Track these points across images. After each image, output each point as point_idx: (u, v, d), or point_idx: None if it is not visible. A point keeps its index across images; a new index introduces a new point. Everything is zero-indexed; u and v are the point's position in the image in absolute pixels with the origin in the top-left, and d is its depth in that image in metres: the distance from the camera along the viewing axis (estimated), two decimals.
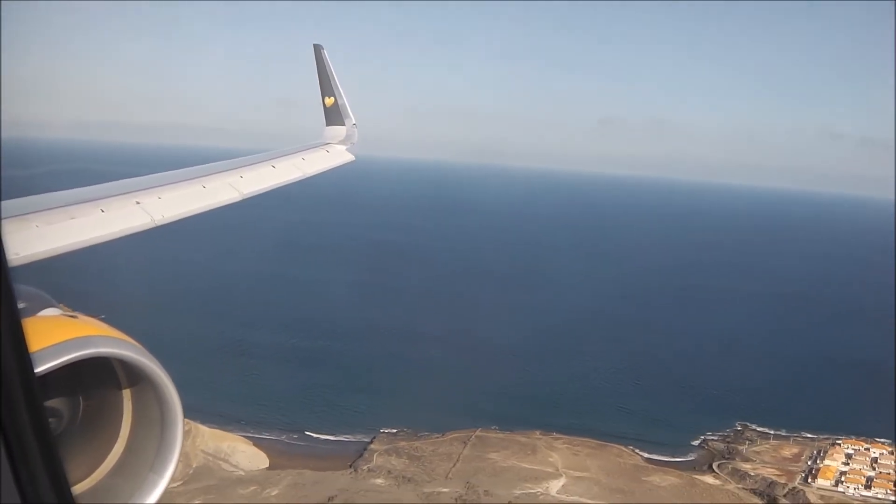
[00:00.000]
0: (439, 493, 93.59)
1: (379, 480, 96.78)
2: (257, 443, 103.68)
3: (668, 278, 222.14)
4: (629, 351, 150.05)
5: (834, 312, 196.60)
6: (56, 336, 4.46)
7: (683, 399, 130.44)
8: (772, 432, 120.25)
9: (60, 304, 5.51)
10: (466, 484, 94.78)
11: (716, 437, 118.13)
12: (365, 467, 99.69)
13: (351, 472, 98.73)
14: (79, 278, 79.51)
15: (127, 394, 5.13)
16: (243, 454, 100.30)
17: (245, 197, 10.70)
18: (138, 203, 8.63)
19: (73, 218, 7.52)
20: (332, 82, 19.06)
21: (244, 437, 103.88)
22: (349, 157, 16.02)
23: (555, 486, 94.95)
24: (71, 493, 3.41)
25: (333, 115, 18.67)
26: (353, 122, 18.82)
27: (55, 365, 4.32)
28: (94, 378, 4.95)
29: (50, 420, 4.61)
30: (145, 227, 8.50)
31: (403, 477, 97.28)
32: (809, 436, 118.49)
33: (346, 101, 19.08)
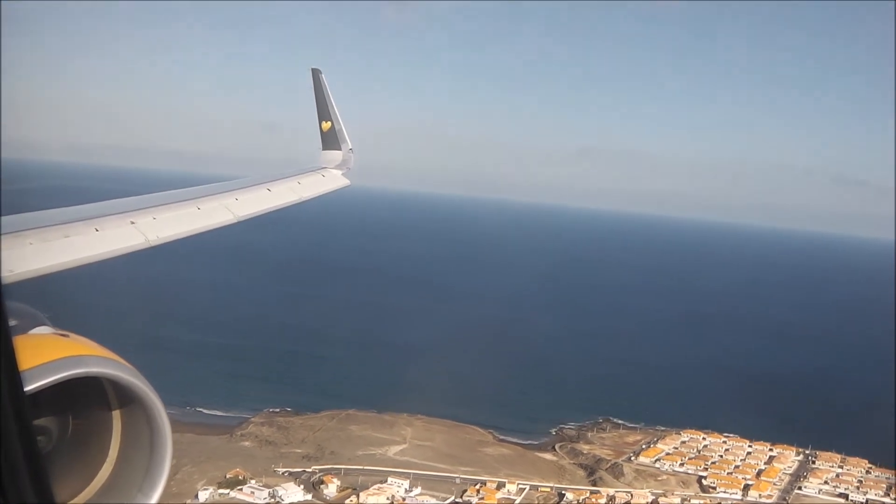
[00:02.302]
0: (293, 452, 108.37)
1: (246, 443, 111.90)
2: None
3: (580, 295, 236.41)
4: (533, 357, 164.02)
5: (741, 328, 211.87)
6: (47, 355, 4.43)
7: (562, 400, 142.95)
8: (630, 425, 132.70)
9: (51, 324, 5.54)
10: (318, 446, 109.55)
11: (573, 427, 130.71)
12: (239, 433, 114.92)
13: (226, 437, 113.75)
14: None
15: (117, 414, 5.11)
16: None
17: (240, 219, 10.73)
18: (133, 223, 8.55)
19: (67, 236, 7.48)
20: (329, 107, 19.33)
21: None
22: (345, 182, 16.11)
23: (394, 450, 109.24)
24: None
25: (330, 140, 18.89)
26: (350, 146, 19.03)
27: (45, 384, 4.28)
28: (85, 397, 4.91)
29: (39, 438, 4.66)
30: (139, 247, 8.38)
31: (267, 441, 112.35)
32: (662, 428, 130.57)
33: (342, 125, 19.38)
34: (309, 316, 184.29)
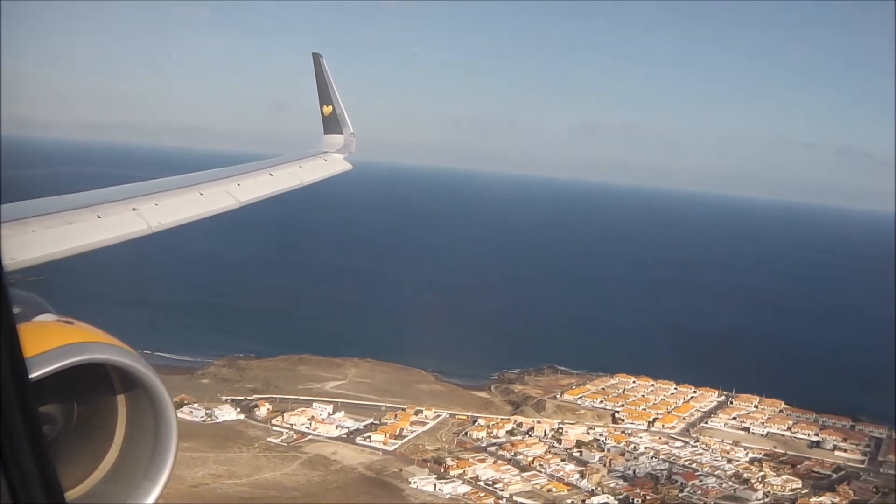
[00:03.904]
0: (244, 387, 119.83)
1: (204, 381, 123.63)
2: None
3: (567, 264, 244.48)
4: (501, 317, 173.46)
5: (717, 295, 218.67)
6: (51, 342, 4.45)
7: (517, 352, 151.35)
8: (571, 371, 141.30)
9: (55, 311, 5.52)
10: (266, 382, 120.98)
11: (515, 372, 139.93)
12: (199, 373, 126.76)
13: (188, 377, 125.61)
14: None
15: (121, 400, 5.11)
16: None
17: (242, 204, 10.77)
18: (135, 209, 8.60)
19: (70, 223, 7.51)
20: (330, 91, 19.31)
21: None
22: (347, 166, 16.12)
23: (331, 385, 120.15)
24: (64, 499, 3.44)
25: (331, 124, 18.90)
26: (352, 131, 18.98)
27: (50, 371, 4.31)
28: (89, 384, 4.93)
29: (44, 426, 4.68)
30: (141, 233, 8.50)
31: (223, 379, 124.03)
32: (602, 375, 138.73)
33: (343, 110, 19.30)
34: (294, 280, 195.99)
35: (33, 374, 4.10)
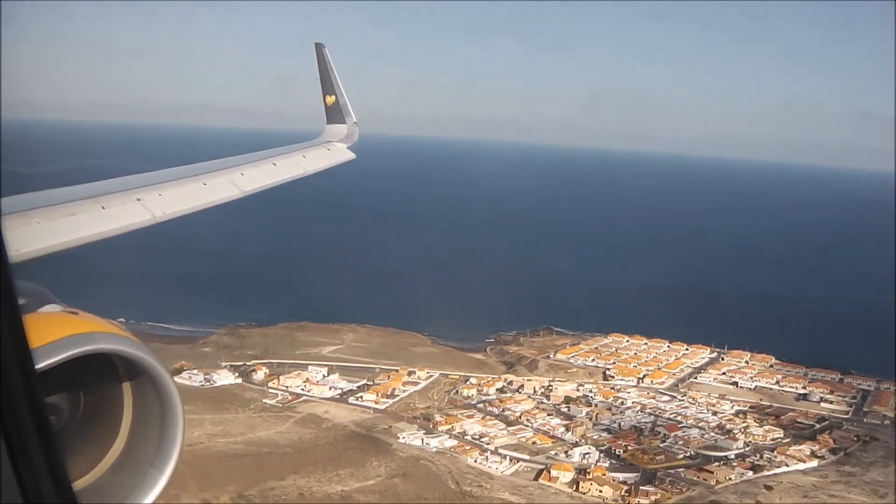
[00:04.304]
0: (244, 354, 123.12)
1: (206, 349, 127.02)
2: (128, 326, 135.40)
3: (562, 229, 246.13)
4: (503, 280, 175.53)
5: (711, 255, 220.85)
6: (56, 332, 4.48)
7: (515, 314, 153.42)
8: (566, 332, 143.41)
9: (61, 301, 5.58)
10: (265, 348, 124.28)
11: (511, 334, 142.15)
12: (201, 342, 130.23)
13: (190, 346, 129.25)
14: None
15: (127, 390, 5.18)
16: None
17: (246, 194, 10.86)
18: (139, 200, 8.68)
19: (73, 214, 7.57)
20: (333, 81, 19.40)
21: (118, 322, 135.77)
22: (350, 156, 16.31)
23: (328, 349, 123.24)
24: (72, 490, 3.45)
25: (334, 114, 19.04)
26: (354, 120, 19.08)
27: (56, 361, 4.34)
28: (95, 374, 4.97)
29: (50, 416, 4.69)
30: (146, 223, 8.59)
31: (225, 346, 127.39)
32: (597, 335, 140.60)
33: (346, 99, 19.41)
34: (296, 248, 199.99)
35: (39, 365, 4.13)
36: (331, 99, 19.38)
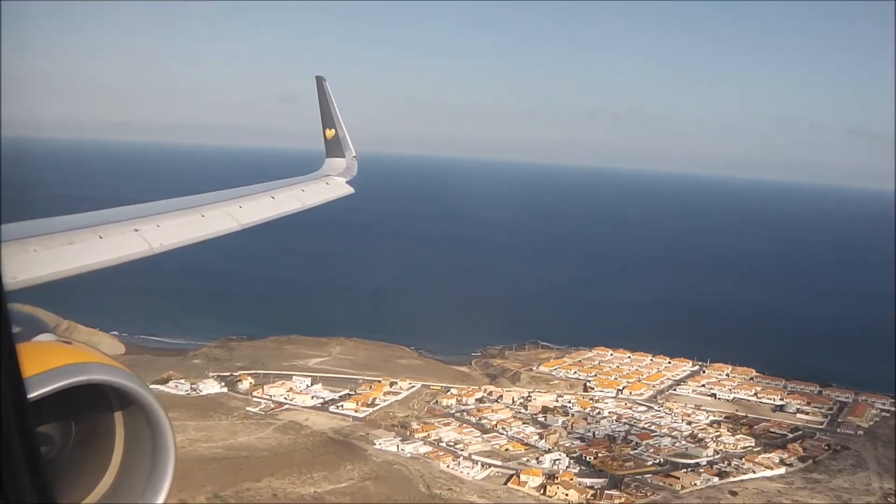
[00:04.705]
0: (233, 365, 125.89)
1: (196, 361, 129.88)
2: (121, 339, 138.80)
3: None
4: (491, 295, 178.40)
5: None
6: (50, 362, 4.48)
7: (505, 330, 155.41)
8: (552, 346, 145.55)
9: (55, 330, 5.69)
10: (253, 360, 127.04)
11: (498, 348, 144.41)
12: (192, 354, 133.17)
13: (181, 357, 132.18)
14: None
15: (119, 420, 5.17)
16: (107, 344, 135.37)
17: (244, 227, 10.88)
18: (136, 230, 8.70)
19: (71, 243, 7.56)
20: (333, 114, 19.67)
21: (112, 335, 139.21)
22: (348, 190, 16.48)
23: (315, 361, 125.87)
24: None
25: (334, 147, 19.24)
26: (354, 154, 19.28)
27: (48, 391, 4.34)
28: (87, 404, 4.98)
29: (42, 446, 4.73)
30: (143, 254, 8.58)
31: (214, 359, 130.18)
32: (583, 349, 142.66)
33: (346, 133, 19.63)
34: (288, 268, 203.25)
35: (32, 394, 4.12)
36: (331, 133, 19.52)
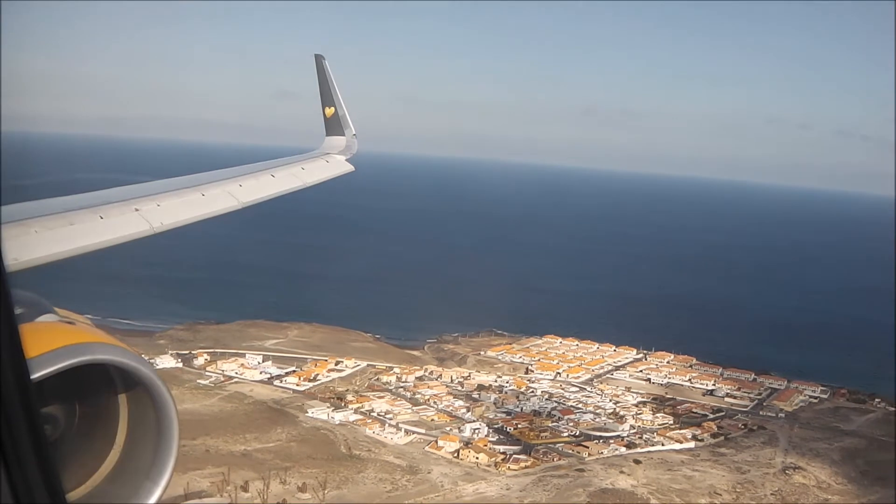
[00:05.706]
0: (196, 346, 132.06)
1: (161, 342, 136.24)
2: (93, 322, 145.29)
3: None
4: (454, 285, 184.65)
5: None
6: (53, 342, 4.47)
7: (462, 319, 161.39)
8: (506, 334, 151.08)
9: (58, 310, 5.61)
10: (215, 341, 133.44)
11: (453, 335, 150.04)
12: (158, 335, 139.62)
13: (147, 339, 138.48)
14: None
15: (123, 401, 5.15)
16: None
17: (244, 205, 10.82)
18: (137, 210, 8.63)
19: (72, 224, 7.54)
20: (332, 93, 19.60)
21: (86, 318, 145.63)
22: (348, 168, 16.25)
23: (271, 342, 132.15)
24: (66, 500, 3.44)
25: (333, 126, 19.23)
26: (353, 132, 19.23)
27: (51, 371, 4.33)
28: (91, 384, 4.95)
29: (46, 426, 4.69)
30: (144, 234, 8.51)
31: (179, 339, 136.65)
32: (534, 337, 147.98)
33: (346, 111, 19.58)
34: (275, 258, 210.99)
35: (35, 375, 4.12)
36: (330, 111, 19.51)
